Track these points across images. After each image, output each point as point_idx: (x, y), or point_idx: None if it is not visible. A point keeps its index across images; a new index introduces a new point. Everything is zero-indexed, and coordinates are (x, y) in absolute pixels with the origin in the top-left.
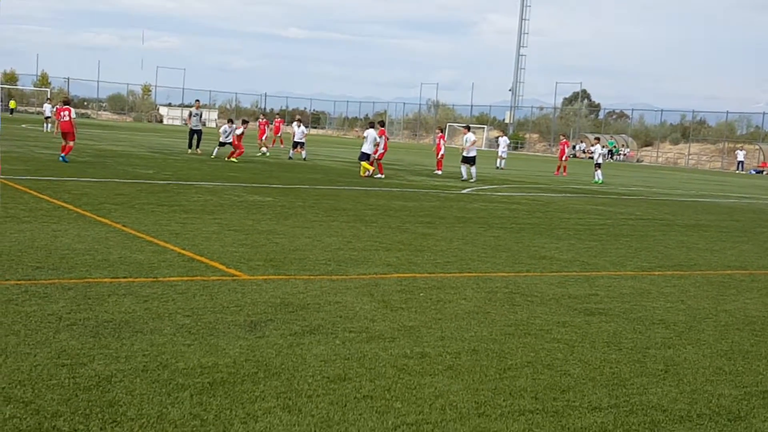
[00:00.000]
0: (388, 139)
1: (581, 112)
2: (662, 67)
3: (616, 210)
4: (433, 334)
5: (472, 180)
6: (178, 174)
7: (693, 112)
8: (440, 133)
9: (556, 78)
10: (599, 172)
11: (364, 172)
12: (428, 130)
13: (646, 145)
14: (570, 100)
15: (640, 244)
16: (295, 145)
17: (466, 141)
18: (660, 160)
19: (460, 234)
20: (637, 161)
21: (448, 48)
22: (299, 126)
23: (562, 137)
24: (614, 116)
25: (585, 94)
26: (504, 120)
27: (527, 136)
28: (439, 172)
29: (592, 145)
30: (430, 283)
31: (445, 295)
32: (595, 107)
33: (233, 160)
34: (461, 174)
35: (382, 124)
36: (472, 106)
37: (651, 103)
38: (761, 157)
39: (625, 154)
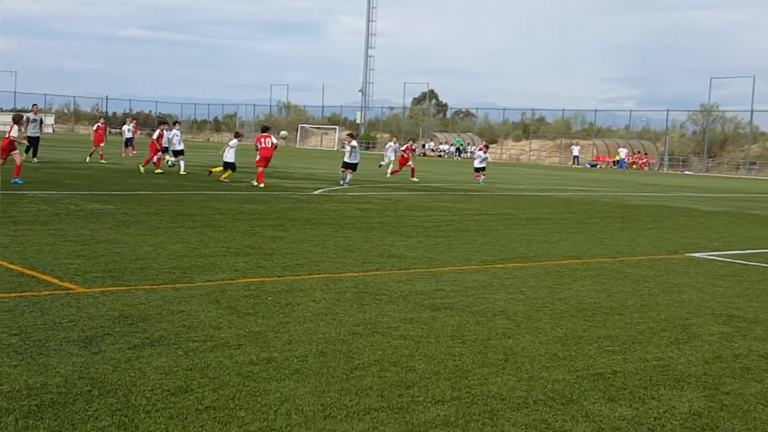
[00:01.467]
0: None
1: (429, 112)
2: (506, 67)
3: (463, 206)
4: (281, 338)
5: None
6: (7, 184)
7: (533, 110)
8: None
9: (405, 78)
10: (482, 176)
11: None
12: (280, 132)
13: (492, 143)
14: (419, 100)
15: (484, 239)
16: (176, 153)
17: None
18: (504, 156)
19: (310, 236)
20: (420, 155)
21: (300, 49)
22: (172, 131)
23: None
24: (461, 115)
25: (433, 94)
26: (355, 120)
27: (378, 135)
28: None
29: (480, 150)
30: (279, 287)
31: (293, 298)
32: (442, 107)
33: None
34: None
35: (265, 129)
36: (323, 107)
37: (495, 102)
38: (594, 152)
39: (471, 152)
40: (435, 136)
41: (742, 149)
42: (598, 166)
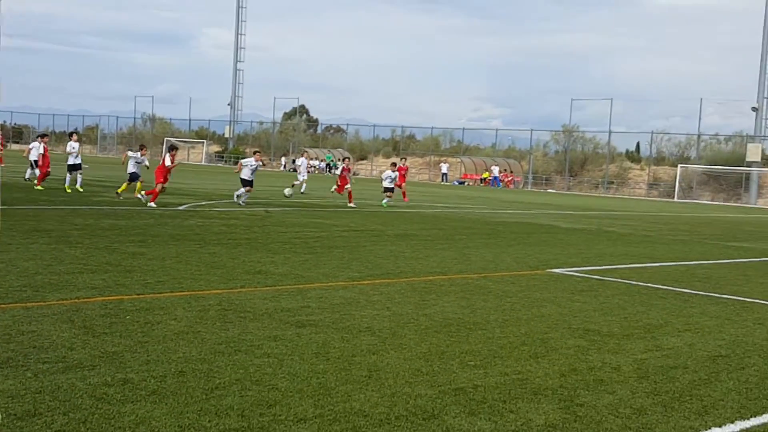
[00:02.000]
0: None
1: (300, 127)
2: (377, 84)
3: (332, 222)
4: (138, 358)
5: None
6: None
7: (402, 127)
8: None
9: (276, 93)
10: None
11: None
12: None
13: (362, 159)
14: (289, 115)
15: (352, 255)
16: (72, 168)
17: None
18: (374, 172)
19: (173, 252)
20: (354, 174)
21: (168, 61)
22: (69, 143)
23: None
24: (332, 131)
25: (303, 109)
26: (224, 134)
27: (247, 150)
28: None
29: (389, 169)
30: (138, 305)
31: (153, 317)
32: (313, 122)
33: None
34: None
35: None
36: (190, 120)
37: (366, 118)
38: (463, 169)
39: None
40: (306, 151)
41: (600, 168)
42: (466, 183)
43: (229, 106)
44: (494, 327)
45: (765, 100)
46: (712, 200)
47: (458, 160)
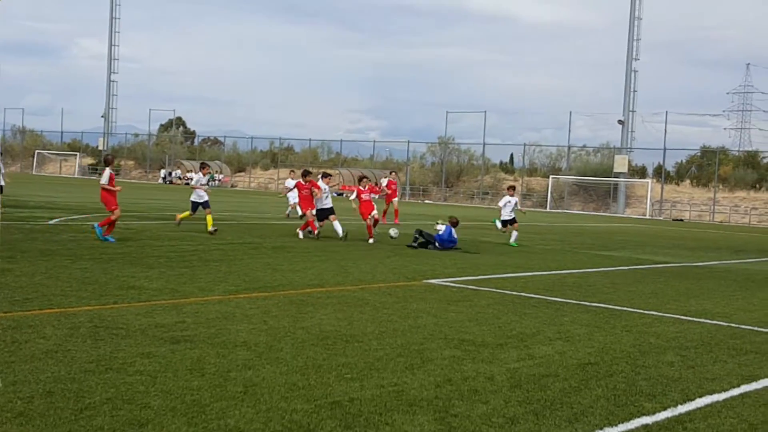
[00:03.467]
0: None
1: (176, 139)
2: (255, 96)
3: (208, 235)
4: (5, 379)
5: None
6: None
7: (280, 139)
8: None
9: (152, 105)
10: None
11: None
12: (14, 158)
13: (240, 171)
14: (166, 127)
15: (229, 268)
16: None
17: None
18: (252, 185)
19: (43, 268)
20: (231, 186)
21: (40, 72)
22: None
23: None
24: (209, 143)
25: (180, 122)
26: (97, 147)
27: (123, 162)
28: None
29: (508, 194)
30: (4, 324)
31: (21, 335)
32: (190, 134)
33: None
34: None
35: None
36: (62, 132)
37: (244, 130)
38: (341, 181)
39: (220, 180)
40: (182, 164)
41: (476, 179)
42: (344, 195)
43: (102, 118)
44: (371, 339)
45: (631, 113)
46: (582, 210)
47: (337, 171)
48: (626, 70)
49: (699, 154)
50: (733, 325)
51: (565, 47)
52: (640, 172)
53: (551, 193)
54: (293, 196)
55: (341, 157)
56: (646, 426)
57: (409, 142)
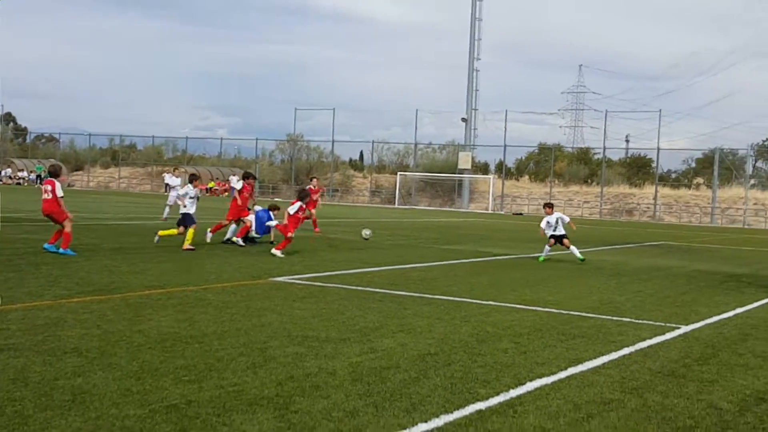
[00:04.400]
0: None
1: (6, 136)
2: (93, 91)
3: (40, 237)
4: None
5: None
6: None
7: (121, 136)
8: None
9: None
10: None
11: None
12: None
13: (77, 170)
14: None
15: (62, 272)
16: None
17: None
18: (91, 184)
19: None
20: (69, 186)
21: None
22: None
23: None
24: (43, 140)
25: (10, 117)
26: None
27: None
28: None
29: (548, 213)
30: None
31: None
32: (21, 131)
33: None
34: None
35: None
36: None
37: (82, 127)
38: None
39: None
40: (12, 162)
41: (326, 177)
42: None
43: None
44: (212, 339)
45: (473, 111)
46: (429, 206)
47: (183, 170)
48: (469, 70)
49: (537, 150)
50: (563, 311)
51: (415, 47)
52: (483, 168)
53: (399, 189)
54: (173, 196)
55: (187, 154)
56: (479, 411)
57: (257, 139)
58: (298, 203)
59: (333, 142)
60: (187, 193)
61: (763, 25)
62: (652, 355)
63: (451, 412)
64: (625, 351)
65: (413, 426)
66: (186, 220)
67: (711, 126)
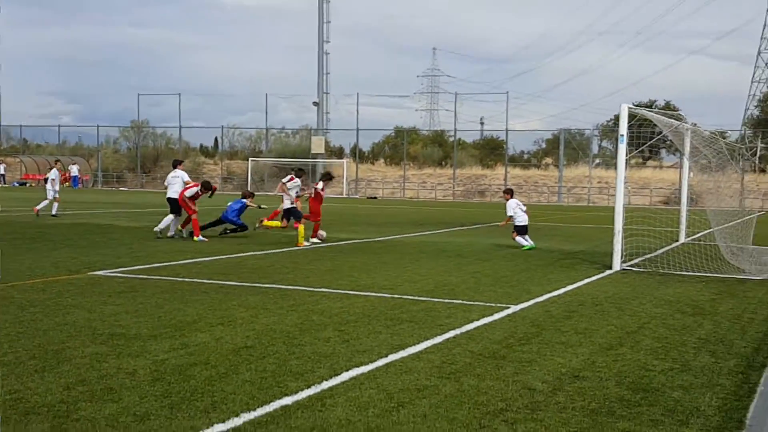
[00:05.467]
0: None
1: None
2: None
3: None
4: None
5: None
6: None
7: None
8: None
9: None
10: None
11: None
12: None
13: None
14: None
15: None
16: None
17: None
18: None
19: None
20: None
21: None
22: None
23: None
24: None
25: None
26: None
27: None
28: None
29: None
30: None
31: None
32: None
33: None
34: None
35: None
36: None
37: None
38: (24, 169)
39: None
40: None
41: None
42: (28, 185)
43: None
44: (2, 342)
45: (325, 95)
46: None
47: (18, 159)
48: (318, 53)
49: (393, 134)
50: (396, 296)
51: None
52: (338, 152)
53: (251, 175)
54: (53, 190)
55: (27, 143)
56: (285, 407)
57: (98, 126)
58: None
59: (180, 128)
60: (296, 186)
61: (608, 5)
62: (476, 337)
63: (254, 410)
64: (451, 334)
65: (208, 427)
66: (294, 214)
67: (560, 107)
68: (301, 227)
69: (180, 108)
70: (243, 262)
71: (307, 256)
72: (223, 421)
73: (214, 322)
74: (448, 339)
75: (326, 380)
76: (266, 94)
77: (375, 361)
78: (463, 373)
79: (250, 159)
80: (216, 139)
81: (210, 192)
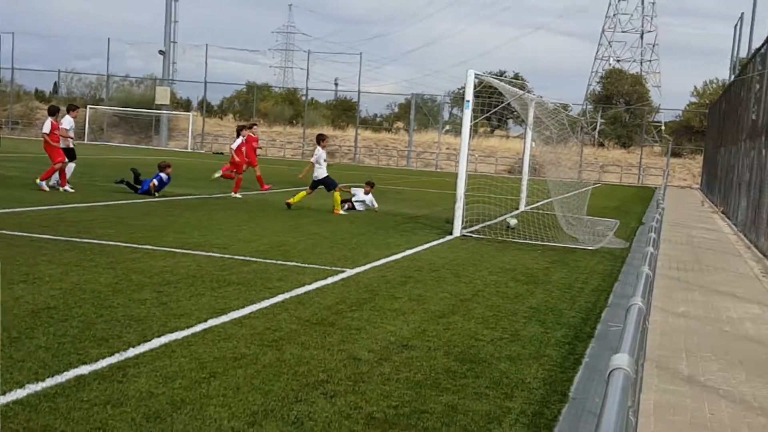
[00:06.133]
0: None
1: None
2: None
3: None
4: None
5: None
6: None
7: None
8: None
9: None
10: None
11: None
12: None
13: None
14: None
15: None
16: None
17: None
18: None
19: None
20: None
21: None
22: None
23: None
24: None
25: None
26: None
27: None
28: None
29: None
30: None
31: None
32: None
33: None
34: None
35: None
36: None
37: None
38: None
39: None
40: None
41: (5, 108)
42: None
43: None
44: None
45: (172, 44)
46: (124, 142)
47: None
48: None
49: (245, 89)
50: (227, 256)
51: None
52: (185, 105)
53: (90, 124)
54: None
55: None
56: (80, 377)
57: None
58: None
59: (12, 69)
60: (320, 157)
61: None
62: (306, 302)
63: (43, 380)
64: (280, 298)
65: None
66: (328, 184)
67: (414, 73)
68: (336, 194)
69: (13, 49)
70: (62, 215)
71: (136, 210)
72: (3, 393)
73: (17, 279)
74: (275, 303)
75: (133, 347)
76: (108, 39)
77: (192, 326)
78: (286, 341)
79: (88, 107)
80: (55, 84)
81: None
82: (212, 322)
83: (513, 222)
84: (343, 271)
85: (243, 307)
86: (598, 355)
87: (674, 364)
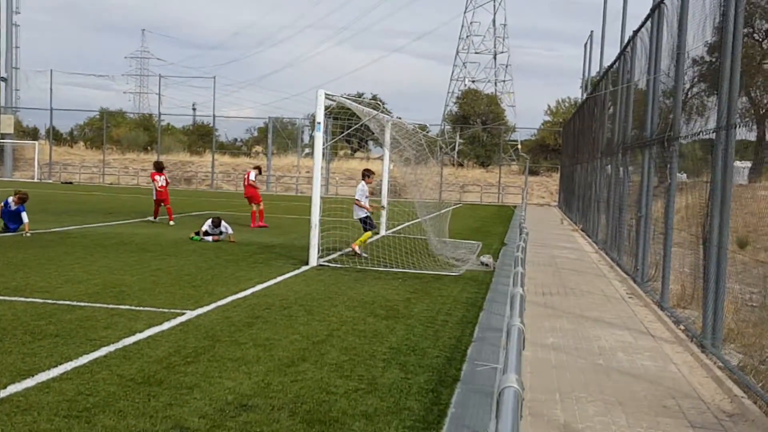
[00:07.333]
0: None
1: None
2: None
3: None
4: None
5: None
6: None
7: None
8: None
9: None
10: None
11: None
12: None
13: None
14: None
15: None
16: None
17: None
18: None
19: None
20: None
21: None
22: None
23: None
24: None
25: None
26: None
27: None
28: None
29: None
30: None
31: None
32: None
33: None
34: None
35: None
36: None
37: None
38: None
39: None
40: None
41: None
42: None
43: None
44: None
45: (14, 70)
46: None
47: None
48: (6, 24)
49: (98, 116)
50: (50, 301)
51: None
52: (32, 133)
53: None
54: None
55: None
56: None
57: None
58: None
59: None
60: (363, 193)
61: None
62: (134, 355)
63: None
64: (103, 351)
65: None
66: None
67: (273, 96)
68: (367, 234)
69: None
70: None
71: None
72: None
73: None
74: (96, 359)
75: None
76: None
77: None
78: (100, 409)
79: None
80: None
81: None
82: (12, 389)
83: (486, 259)
84: (183, 314)
85: (55, 366)
86: (465, 402)
87: (548, 409)
